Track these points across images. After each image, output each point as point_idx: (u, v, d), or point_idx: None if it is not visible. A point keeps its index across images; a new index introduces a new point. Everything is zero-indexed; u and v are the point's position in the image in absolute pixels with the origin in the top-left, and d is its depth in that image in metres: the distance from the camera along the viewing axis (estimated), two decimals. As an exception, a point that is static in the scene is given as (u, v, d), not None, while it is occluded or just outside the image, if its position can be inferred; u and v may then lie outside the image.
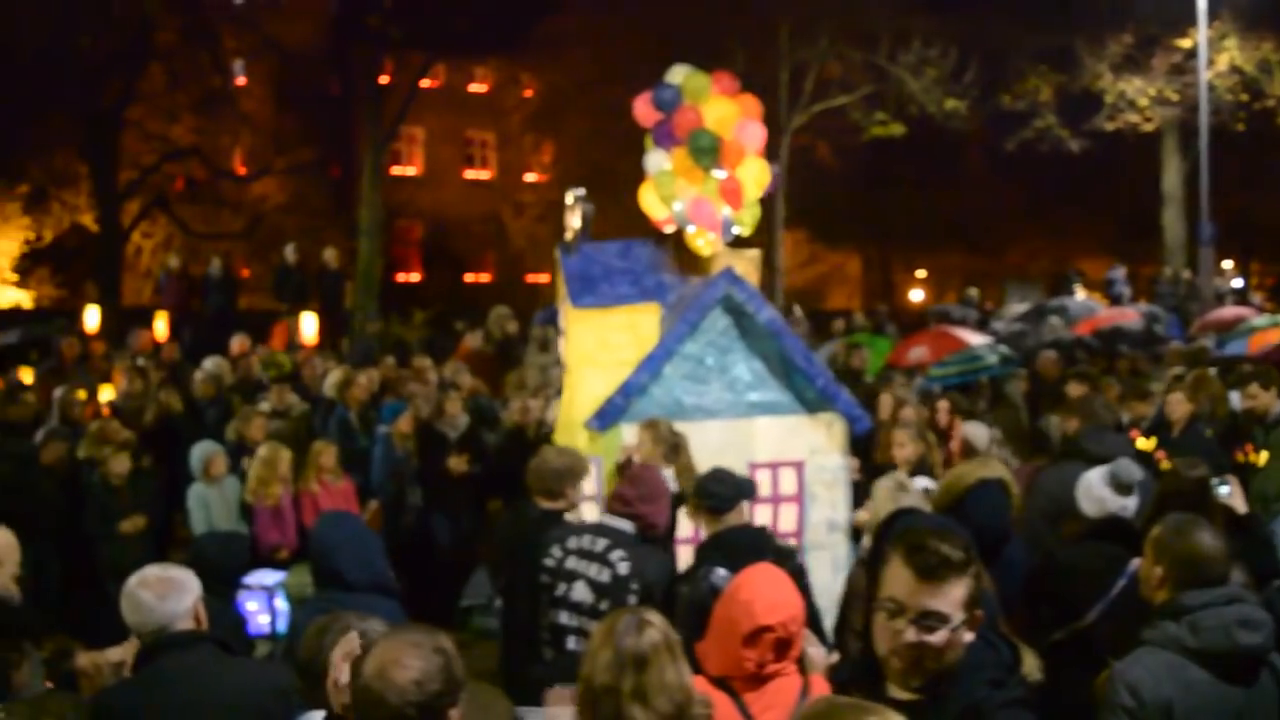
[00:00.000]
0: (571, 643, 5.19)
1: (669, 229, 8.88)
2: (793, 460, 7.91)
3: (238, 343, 13.53)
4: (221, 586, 5.46)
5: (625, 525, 5.42)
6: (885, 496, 5.85)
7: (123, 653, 4.36)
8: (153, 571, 4.18)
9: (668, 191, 8.66)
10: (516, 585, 6.10)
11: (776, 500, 8.02)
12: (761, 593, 3.78)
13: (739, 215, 8.73)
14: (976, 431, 8.97)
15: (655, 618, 3.40)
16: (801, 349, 8.00)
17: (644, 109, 8.78)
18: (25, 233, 27.65)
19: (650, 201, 8.78)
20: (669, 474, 6.93)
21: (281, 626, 5.82)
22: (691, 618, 4.44)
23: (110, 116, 24.97)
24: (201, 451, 9.34)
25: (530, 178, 36.19)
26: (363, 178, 24.98)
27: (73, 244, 27.77)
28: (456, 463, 10.22)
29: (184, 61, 26.85)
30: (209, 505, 9.13)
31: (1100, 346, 15.88)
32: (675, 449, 7.06)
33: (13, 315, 22.35)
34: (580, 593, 5.22)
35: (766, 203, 28.21)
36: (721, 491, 5.58)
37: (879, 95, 25.33)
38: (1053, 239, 35.83)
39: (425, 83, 28.05)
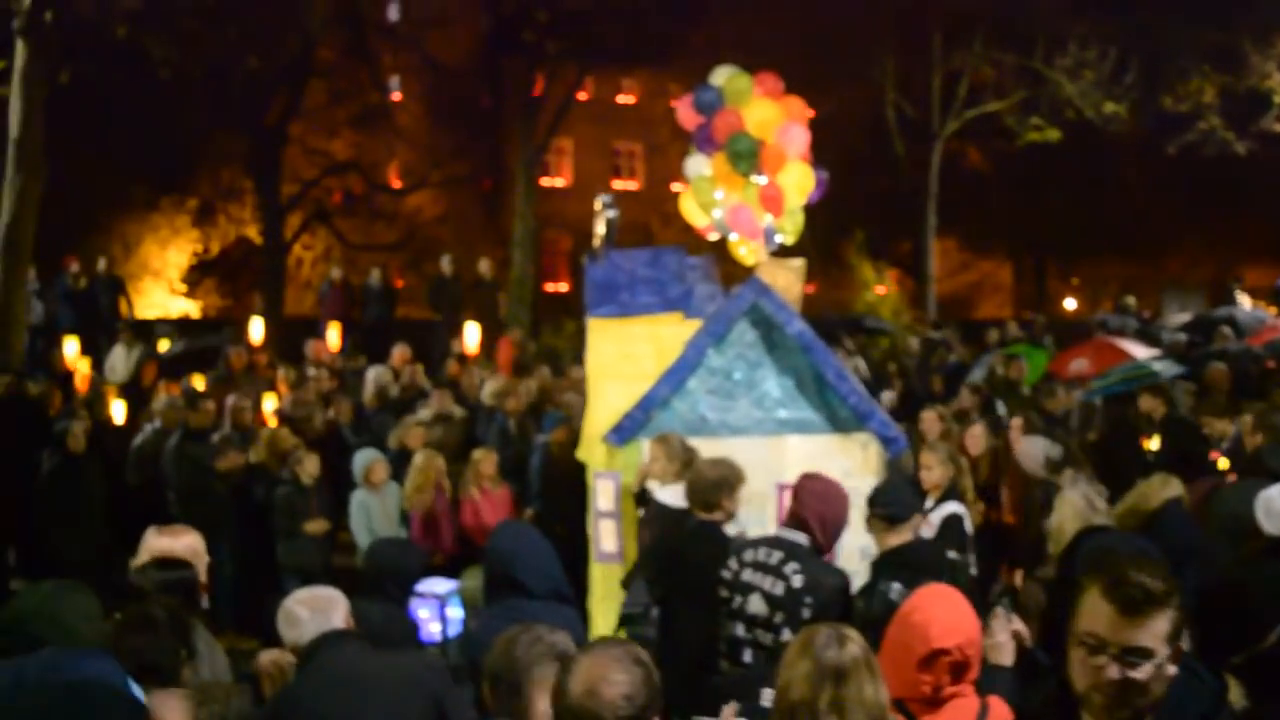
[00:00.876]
0: (747, 655, 5.18)
1: (712, 237, 8.62)
2: None
3: (399, 352, 13.83)
4: (396, 592, 5.58)
5: (800, 538, 5.38)
6: (1073, 513, 5.67)
7: (288, 654, 4.53)
8: (305, 591, 4.47)
9: (707, 198, 8.37)
10: (678, 595, 6.15)
11: None
12: (937, 615, 3.72)
13: (781, 223, 8.36)
14: (1031, 450, 8.36)
15: (854, 633, 3.38)
16: (834, 364, 7.62)
17: (685, 112, 8.49)
18: (194, 245, 28.85)
19: (690, 209, 8.51)
20: (680, 490, 6.69)
21: (452, 634, 5.91)
22: (868, 634, 4.41)
23: (274, 133, 25.83)
24: (363, 459, 9.57)
25: (678, 188, 36.13)
26: (514, 190, 25.37)
27: (237, 256, 28.85)
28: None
29: (344, 79, 27.63)
30: (370, 511, 9.35)
31: (1272, 359, 15.24)
32: (688, 465, 6.80)
33: (182, 325, 23.27)
34: (755, 605, 5.21)
35: (917, 210, 28.07)
36: (901, 500, 5.54)
37: (1034, 99, 24.77)
38: (1214, 246, 34.52)
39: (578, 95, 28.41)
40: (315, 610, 4.30)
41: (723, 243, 8.50)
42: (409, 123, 30.15)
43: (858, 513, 6.99)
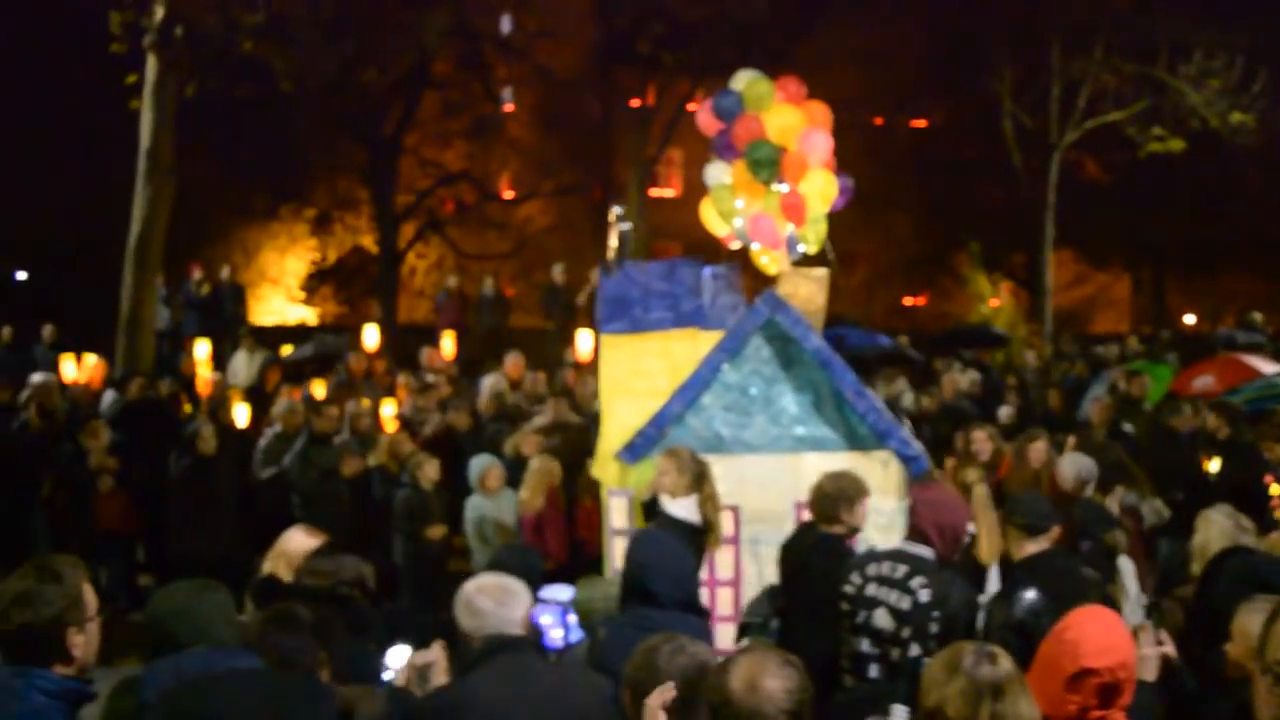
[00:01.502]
0: (873, 670, 5.11)
1: (733, 246, 8.42)
2: None
3: (513, 360, 13.96)
4: (519, 598, 5.62)
5: (925, 551, 5.31)
6: (1219, 533, 5.52)
7: (429, 655, 4.53)
8: (490, 579, 4.37)
9: (727, 207, 8.18)
10: (799, 607, 6.13)
11: None
12: (1089, 634, 3.64)
13: (803, 232, 8.15)
14: (1064, 466, 8.06)
15: (1000, 650, 3.34)
16: (852, 381, 7.40)
17: (706, 118, 8.34)
18: (312, 253, 29.52)
19: (710, 218, 8.33)
20: (692, 504, 6.68)
21: (573, 640, 5.96)
22: (1005, 641, 4.35)
23: (390, 144, 26.30)
24: (479, 464, 9.66)
25: (788, 198, 36.09)
26: (624, 200, 25.48)
27: (353, 264, 29.42)
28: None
29: (458, 90, 28.03)
30: (485, 517, 9.45)
31: None
32: (699, 479, 6.72)
33: (299, 332, 23.79)
34: (881, 620, 5.14)
35: (1034, 222, 27.49)
36: (1040, 510, 5.45)
37: (1156, 109, 24.19)
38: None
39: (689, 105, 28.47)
40: (499, 602, 4.22)
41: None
42: (520, 133, 30.48)
43: (879, 533, 6.92)
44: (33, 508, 10.80)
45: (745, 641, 7.08)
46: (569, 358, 14.66)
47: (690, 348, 7.76)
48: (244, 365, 15.80)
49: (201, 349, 14.69)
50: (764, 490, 7.26)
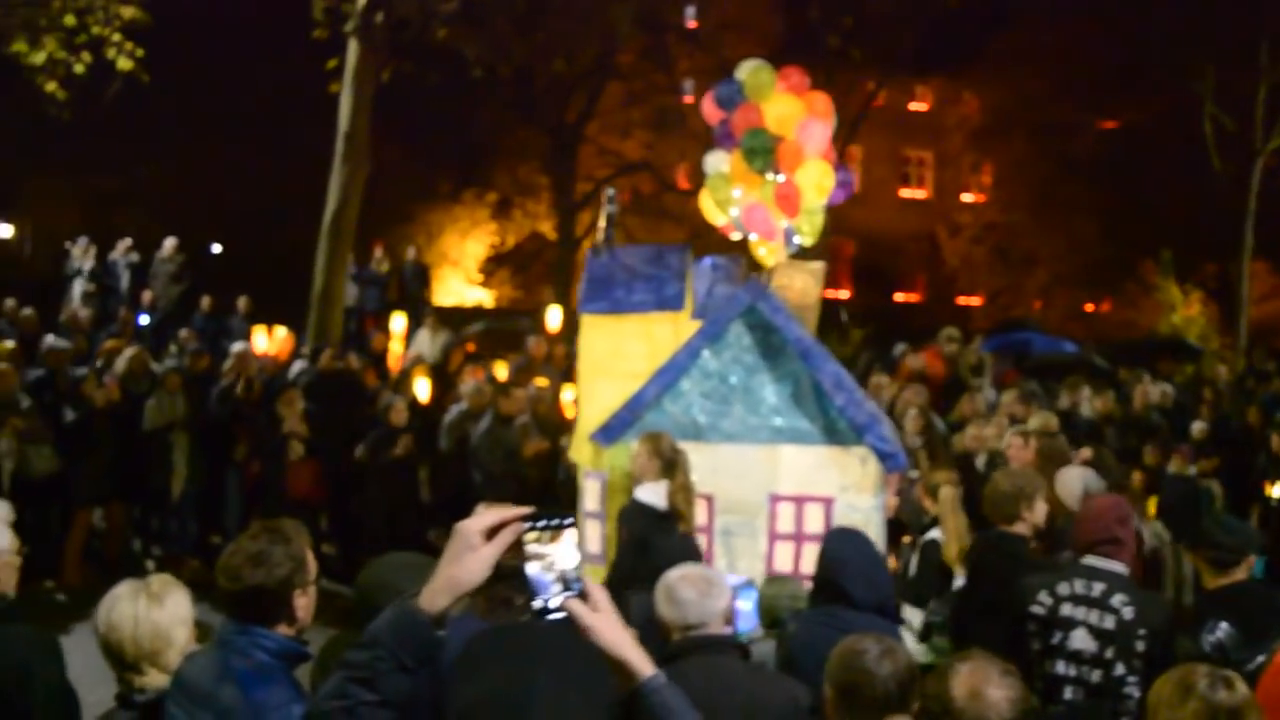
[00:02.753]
0: (1069, 693, 4.97)
1: (734, 237, 8.24)
2: (820, 496, 7.08)
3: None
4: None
5: (1117, 567, 5.14)
6: None
7: None
8: (693, 569, 4.32)
9: (724, 196, 8.02)
10: (974, 608, 6.07)
11: (800, 539, 7.15)
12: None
13: (798, 223, 7.93)
14: (1069, 480, 7.33)
15: (1234, 674, 3.24)
16: (833, 374, 7.12)
17: (709, 106, 8.14)
18: (492, 237, 30.12)
19: (708, 207, 8.17)
20: (660, 490, 6.54)
21: (742, 629, 5.89)
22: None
23: (571, 132, 26.63)
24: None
25: (968, 198, 35.47)
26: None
27: (530, 249, 29.91)
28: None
29: (640, 81, 28.23)
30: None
31: None
32: (671, 465, 6.59)
33: (476, 313, 24.30)
34: (1080, 641, 4.99)
35: (1232, 230, 26.27)
36: (1228, 544, 5.21)
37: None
38: None
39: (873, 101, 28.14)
40: (702, 593, 4.13)
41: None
42: (700, 125, 30.44)
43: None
44: (228, 471, 11.27)
45: (920, 643, 7.00)
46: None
47: (671, 331, 7.61)
48: (426, 343, 16.18)
49: (398, 323, 15.14)
50: (739, 481, 7.11)
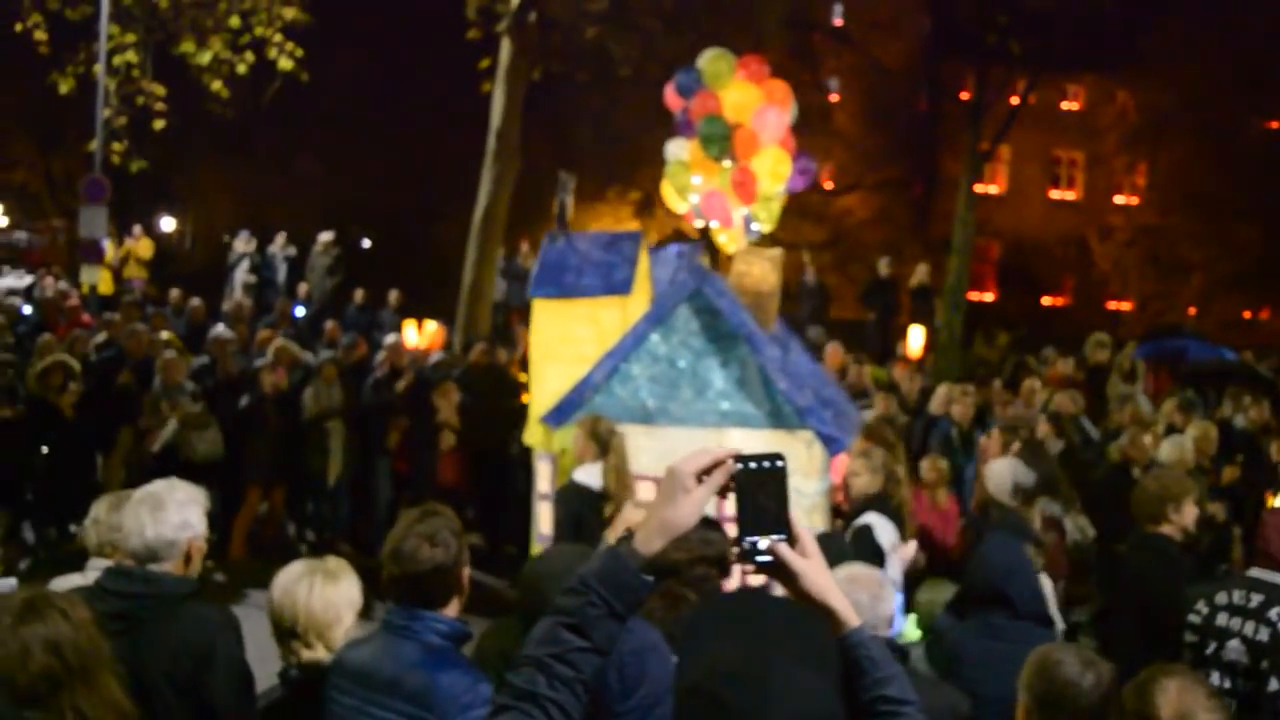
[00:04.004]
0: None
1: (697, 224, 8.29)
2: None
3: (831, 349, 13.87)
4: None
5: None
6: None
7: None
8: (862, 570, 4.33)
9: (683, 183, 8.07)
10: (1119, 608, 6.09)
11: None
12: None
13: (756, 210, 7.96)
14: (1000, 472, 7.10)
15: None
16: (777, 359, 7.13)
17: (671, 94, 8.20)
18: (635, 235, 30.25)
19: (670, 195, 8.23)
20: (597, 471, 6.61)
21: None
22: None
23: (716, 130, 26.60)
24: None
25: (1120, 200, 34.48)
26: (948, 195, 24.92)
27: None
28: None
29: (785, 80, 28.03)
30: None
31: None
32: (605, 447, 6.67)
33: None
34: (1234, 653, 4.87)
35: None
36: None
37: None
38: None
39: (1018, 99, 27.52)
40: (874, 596, 4.12)
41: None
42: (845, 124, 30.26)
43: (802, 515, 6.23)
44: (378, 459, 11.54)
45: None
46: (899, 351, 14.46)
47: (619, 315, 7.67)
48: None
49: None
50: None
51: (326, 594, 3.87)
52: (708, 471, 2.24)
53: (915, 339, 13.63)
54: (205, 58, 17.93)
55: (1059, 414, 10.48)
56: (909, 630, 6.09)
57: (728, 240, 8.18)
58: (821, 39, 27.91)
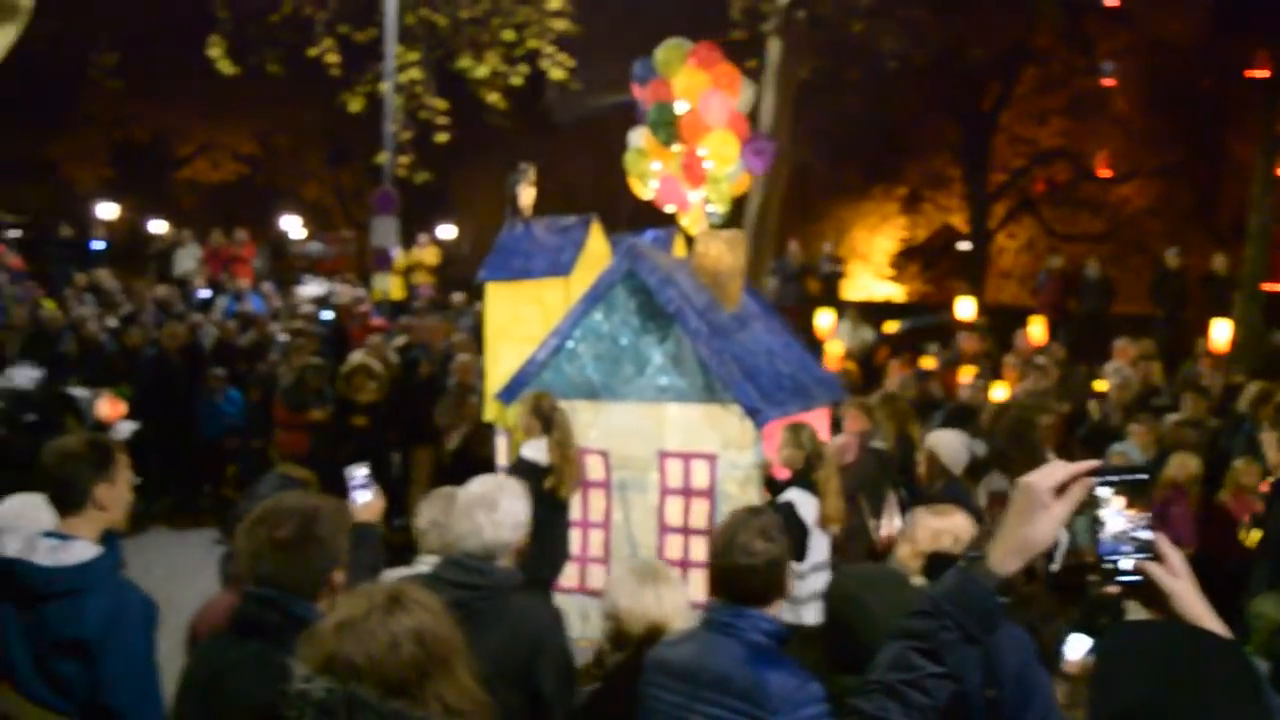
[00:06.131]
0: None
1: (670, 210, 8.56)
2: (705, 453, 7.36)
3: (1121, 346, 13.31)
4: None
5: None
6: None
7: None
8: None
9: (642, 170, 8.34)
10: None
11: (688, 493, 7.49)
12: None
13: (708, 193, 8.12)
14: (952, 443, 7.24)
15: None
16: (705, 334, 7.29)
17: (634, 85, 8.43)
18: (901, 231, 29.76)
19: (633, 182, 8.49)
20: (542, 446, 7.04)
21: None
22: None
23: (985, 121, 25.91)
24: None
25: None
26: (1241, 179, 23.43)
27: (940, 243, 29.33)
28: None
29: (1058, 64, 27.09)
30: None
31: None
32: (549, 422, 7.08)
33: (888, 309, 24.10)
34: None
35: None
36: None
37: None
38: None
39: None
40: None
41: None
42: (1122, 108, 28.90)
43: (736, 486, 7.20)
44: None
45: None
46: (1201, 348, 13.70)
47: (562, 295, 8.08)
48: (847, 336, 16.23)
49: (824, 319, 15.30)
50: (630, 438, 7.48)
51: (673, 597, 3.98)
52: (1064, 487, 2.15)
53: (1220, 333, 12.86)
54: (483, 71, 18.63)
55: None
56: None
57: (689, 223, 8.48)
58: (1096, 20, 26.69)
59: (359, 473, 4.84)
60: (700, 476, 7.46)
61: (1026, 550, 2.14)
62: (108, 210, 26.86)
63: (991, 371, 13.14)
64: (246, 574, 3.32)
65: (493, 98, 18.74)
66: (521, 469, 6.99)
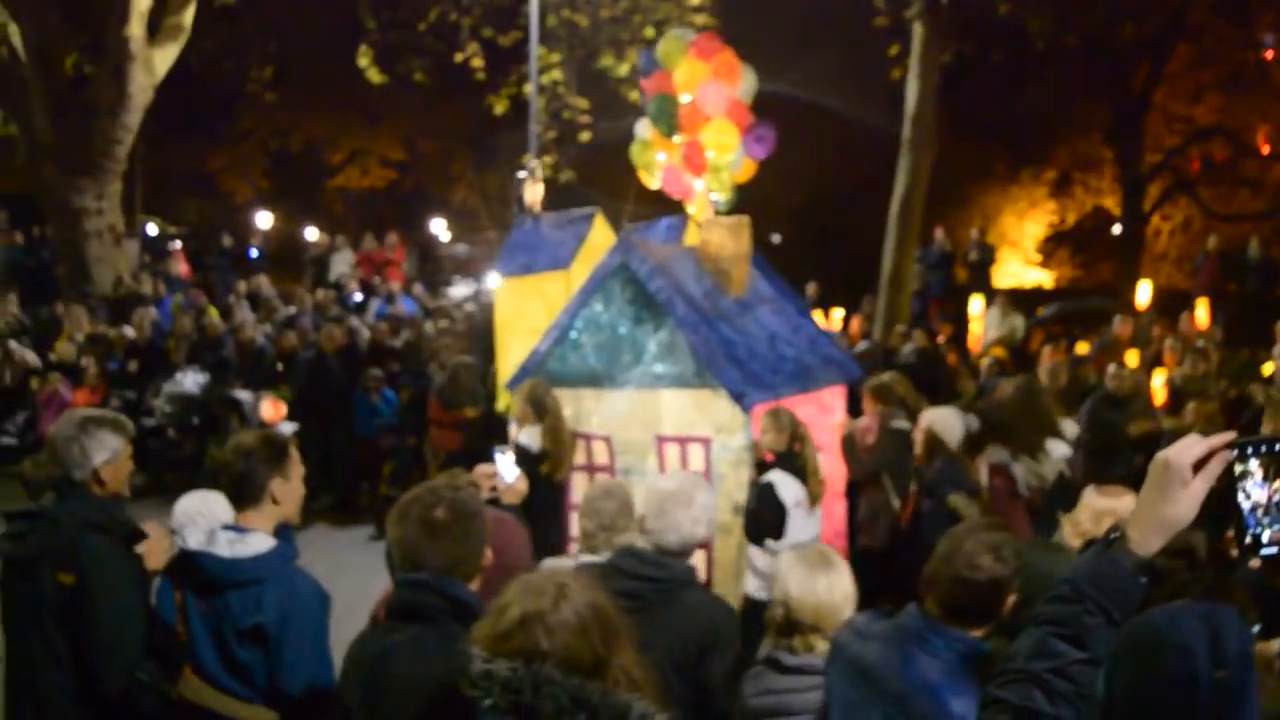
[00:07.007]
0: None
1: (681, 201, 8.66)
2: (700, 437, 7.48)
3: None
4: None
5: None
6: None
7: None
8: None
9: (647, 160, 8.45)
10: None
11: None
12: None
13: (709, 181, 8.22)
14: (949, 420, 7.19)
15: None
16: (692, 321, 7.45)
17: (642, 78, 8.56)
18: (1050, 216, 29.08)
19: (641, 174, 8.61)
20: (534, 433, 7.48)
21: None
22: None
23: (1138, 100, 25.15)
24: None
25: None
26: None
27: (1090, 227, 28.55)
28: None
29: (1213, 39, 26.12)
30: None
31: None
32: (541, 409, 7.51)
33: (1038, 295, 23.57)
34: None
35: None
36: None
37: None
38: None
39: None
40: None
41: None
42: (1282, 81, 27.74)
43: (730, 468, 7.31)
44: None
45: None
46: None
47: (562, 289, 8.39)
48: (995, 324, 15.92)
49: (975, 305, 15.06)
50: (630, 424, 7.65)
51: (844, 585, 3.97)
52: (1202, 462, 2.08)
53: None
54: (624, 69, 18.76)
55: None
56: None
57: (696, 211, 8.60)
58: (1254, -9, 25.66)
59: (505, 457, 4.92)
60: (696, 459, 7.58)
61: (1166, 528, 2.09)
62: (264, 219, 27.75)
63: (1152, 357, 12.75)
64: (400, 561, 3.38)
65: (635, 96, 18.87)
66: (518, 455, 7.18)
